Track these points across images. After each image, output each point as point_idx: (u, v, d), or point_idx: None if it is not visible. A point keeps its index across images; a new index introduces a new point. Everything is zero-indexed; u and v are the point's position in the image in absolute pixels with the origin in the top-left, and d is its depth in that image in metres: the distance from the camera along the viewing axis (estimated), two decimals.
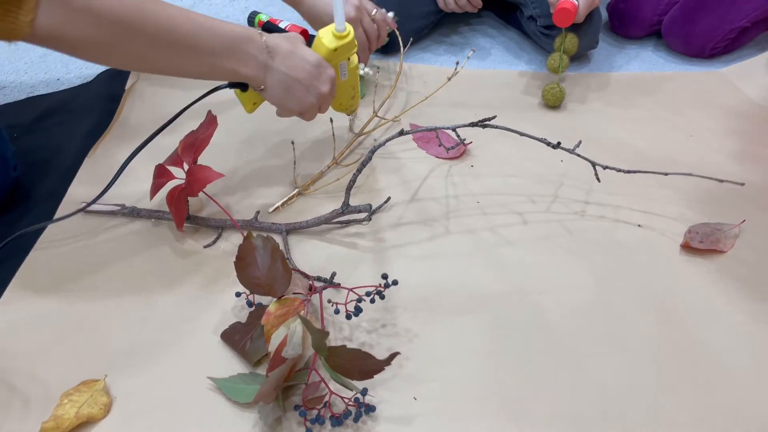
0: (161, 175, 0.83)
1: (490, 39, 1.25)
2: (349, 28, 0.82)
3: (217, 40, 0.69)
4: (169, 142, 0.86)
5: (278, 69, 0.75)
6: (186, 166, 0.81)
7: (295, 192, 0.90)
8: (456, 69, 0.96)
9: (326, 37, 0.81)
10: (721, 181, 0.83)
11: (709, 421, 0.63)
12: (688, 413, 0.64)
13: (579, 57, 1.17)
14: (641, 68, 1.15)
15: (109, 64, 0.67)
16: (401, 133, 0.80)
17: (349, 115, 1.00)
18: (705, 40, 1.15)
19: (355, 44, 0.83)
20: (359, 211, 0.82)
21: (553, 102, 1.03)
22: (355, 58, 0.89)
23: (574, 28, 1.06)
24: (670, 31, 1.18)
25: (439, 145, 0.85)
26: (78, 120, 1.03)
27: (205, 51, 0.69)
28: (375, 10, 1.00)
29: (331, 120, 0.95)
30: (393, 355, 0.62)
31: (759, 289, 0.76)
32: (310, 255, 0.82)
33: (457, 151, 0.96)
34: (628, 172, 0.83)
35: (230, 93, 0.94)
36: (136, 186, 0.90)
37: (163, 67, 0.69)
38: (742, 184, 0.81)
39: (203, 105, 0.83)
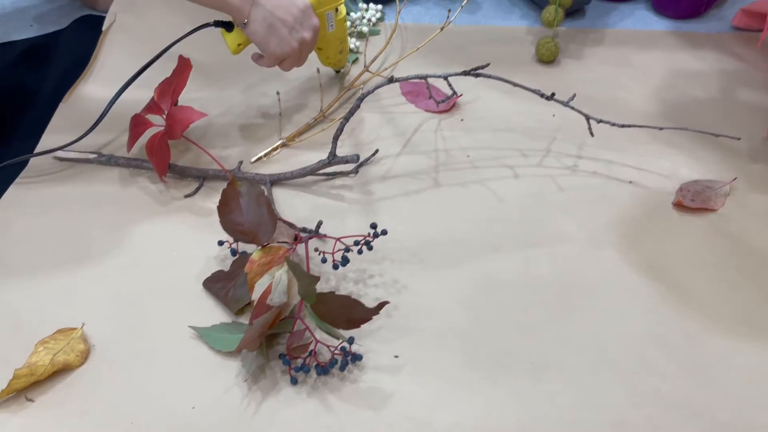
0: (138, 124, 0.80)
1: None
2: None
3: None
4: (142, 96, 0.82)
5: (264, 5, 0.74)
6: (165, 112, 0.78)
7: (279, 143, 0.88)
8: (448, 18, 0.93)
9: None
10: (717, 135, 0.82)
11: (698, 372, 0.63)
12: (677, 364, 0.64)
13: (574, 12, 1.14)
14: (635, 26, 1.13)
15: None
16: (391, 80, 0.77)
17: (337, 70, 0.97)
18: (696, 3, 1.13)
19: None
20: (346, 162, 0.80)
21: (548, 57, 1.01)
22: (343, 8, 0.86)
23: None
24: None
25: (429, 98, 0.83)
26: (52, 66, 0.98)
27: None
28: None
29: (318, 70, 0.92)
30: (381, 304, 0.60)
31: (747, 245, 0.75)
32: (295, 207, 0.79)
33: (447, 104, 0.94)
34: (622, 126, 0.81)
35: (213, 45, 0.91)
36: (110, 137, 0.86)
37: None
38: (738, 139, 0.80)
39: (177, 52, 0.80)
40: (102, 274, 0.71)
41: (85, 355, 0.63)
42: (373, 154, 0.86)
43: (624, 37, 1.11)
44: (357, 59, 1.03)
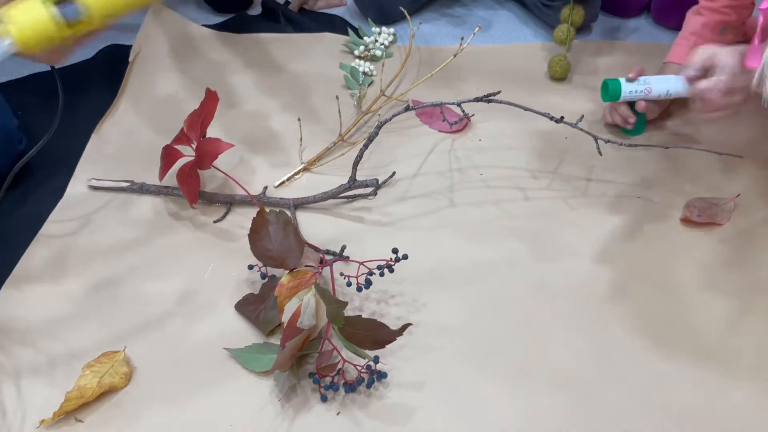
0: (169, 155, 0.84)
1: (491, 11, 1.25)
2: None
3: None
4: (172, 125, 0.87)
5: None
6: (194, 143, 0.82)
7: (301, 167, 0.92)
8: (461, 45, 0.97)
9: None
10: (720, 153, 0.85)
11: (706, 384, 0.67)
12: (687, 377, 0.67)
13: (582, 29, 1.17)
14: (642, 40, 1.16)
15: None
16: (407, 108, 0.81)
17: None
18: None
19: None
20: (366, 186, 0.84)
21: (560, 74, 1.04)
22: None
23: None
24: (660, 12, 1.19)
25: (443, 120, 0.87)
26: (82, 97, 1.03)
27: None
28: None
29: (337, 97, 0.96)
30: (405, 326, 0.64)
31: (753, 259, 0.78)
32: (317, 229, 0.83)
33: (461, 125, 0.97)
34: (629, 145, 0.84)
35: (230, 77, 0.95)
36: (142, 167, 0.91)
37: None
38: (741, 157, 0.83)
39: (202, 81, 0.84)
40: (139, 298, 0.76)
41: (128, 377, 0.67)
42: (391, 176, 0.90)
43: (633, 49, 1.13)
44: (372, 82, 1.07)
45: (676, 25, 1.17)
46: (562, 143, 0.94)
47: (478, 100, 0.81)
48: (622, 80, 0.87)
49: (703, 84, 0.72)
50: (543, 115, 0.82)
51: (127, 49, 1.09)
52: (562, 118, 0.82)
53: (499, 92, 0.80)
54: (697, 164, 0.90)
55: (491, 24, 1.21)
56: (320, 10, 1.26)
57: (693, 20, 0.93)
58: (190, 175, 0.80)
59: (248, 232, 0.71)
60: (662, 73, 0.92)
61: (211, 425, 0.64)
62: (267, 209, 0.72)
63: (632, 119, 0.90)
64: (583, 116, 0.84)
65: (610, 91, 0.87)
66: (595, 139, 0.84)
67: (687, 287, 0.75)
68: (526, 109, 0.82)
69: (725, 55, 0.71)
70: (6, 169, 0.87)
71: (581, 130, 0.83)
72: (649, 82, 0.86)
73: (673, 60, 0.94)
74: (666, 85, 0.86)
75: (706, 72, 0.73)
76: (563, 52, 1.05)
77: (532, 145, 0.95)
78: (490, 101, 0.81)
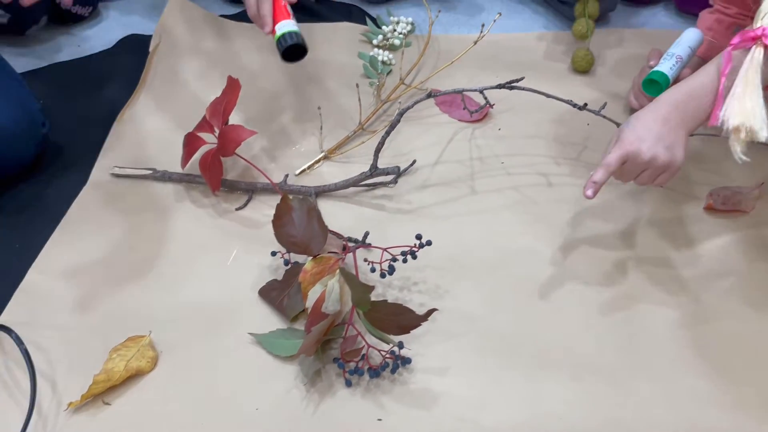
0: (191, 142, 0.84)
1: (502, 1, 1.25)
2: None
3: None
4: (192, 114, 0.87)
5: None
6: (216, 131, 0.82)
7: (321, 156, 0.92)
8: (482, 32, 0.97)
9: None
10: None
11: (730, 371, 0.66)
12: (709, 363, 0.67)
13: (599, 19, 1.16)
14: (661, 27, 1.15)
15: None
16: (429, 95, 0.81)
17: None
18: None
19: None
20: (387, 173, 0.84)
21: (584, 68, 1.04)
22: None
23: None
24: None
25: (464, 108, 0.86)
26: (103, 86, 1.03)
27: None
28: None
29: (357, 85, 0.95)
30: (430, 311, 0.64)
31: None
32: (338, 216, 0.83)
33: (480, 114, 0.97)
34: None
35: (249, 65, 0.94)
36: (164, 155, 0.91)
37: None
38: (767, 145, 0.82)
39: (221, 71, 0.83)
40: (163, 283, 0.76)
41: (154, 361, 0.68)
42: (411, 164, 0.90)
43: (654, 37, 1.12)
44: (391, 71, 1.06)
45: (700, 10, 1.16)
46: (584, 131, 0.94)
47: (501, 86, 0.81)
48: (659, 67, 0.87)
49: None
50: (566, 102, 0.82)
51: (147, 39, 1.10)
52: (586, 105, 0.81)
53: (522, 78, 0.80)
54: (719, 153, 0.89)
55: (505, 14, 1.20)
56: None
57: (707, 17, 0.94)
58: (213, 163, 0.80)
59: (272, 219, 0.71)
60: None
61: (236, 409, 0.64)
62: (290, 195, 0.72)
63: None
64: (606, 103, 0.83)
65: (661, 83, 0.86)
66: (618, 126, 0.83)
67: (711, 274, 0.75)
68: (548, 96, 0.82)
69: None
70: (30, 151, 0.88)
71: (605, 117, 0.83)
72: (675, 52, 0.88)
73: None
74: (687, 43, 0.89)
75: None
76: (584, 45, 1.04)
77: (554, 133, 0.94)
78: (512, 88, 0.81)
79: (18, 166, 0.87)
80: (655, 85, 0.87)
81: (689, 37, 0.90)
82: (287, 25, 0.82)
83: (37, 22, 1.10)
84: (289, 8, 0.84)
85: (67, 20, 1.16)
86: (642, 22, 1.17)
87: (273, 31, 0.83)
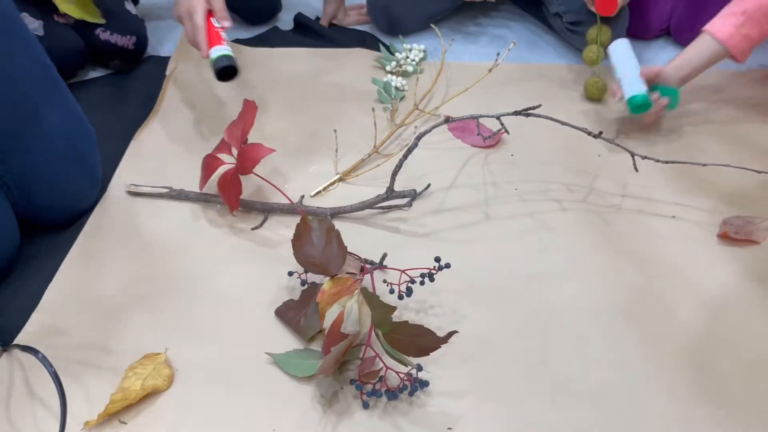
0: (210, 163, 0.85)
1: (506, 29, 1.27)
2: None
3: None
4: (208, 135, 0.88)
5: None
6: (235, 151, 0.83)
7: (336, 178, 0.93)
8: (497, 61, 0.98)
9: None
10: (759, 172, 0.85)
11: (750, 398, 0.66)
12: (728, 390, 0.67)
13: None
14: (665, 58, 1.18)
15: None
16: (447, 120, 0.82)
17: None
18: None
19: None
20: (404, 196, 0.85)
21: (597, 95, 1.05)
22: None
23: (606, 20, 1.08)
24: (681, 30, 1.20)
25: (477, 134, 0.88)
26: (121, 106, 1.05)
27: None
28: None
29: (373, 109, 0.97)
30: (451, 333, 0.64)
31: None
32: (354, 238, 0.83)
33: (495, 139, 0.98)
34: (666, 162, 0.85)
35: (263, 89, 0.96)
36: (181, 175, 0.91)
37: None
38: None
39: (237, 94, 0.85)
40: (179, 301, 0.76)
41: (170, 379, 0.67)
42: (426, 188, 0.90)
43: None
44: (404, 97, 1.08)
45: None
46: (595, 159, 0.95)
47: (518, 113, 0.82)
48: (633, 93, 0.94)
49: None
50: (581, 130, 0.83)
51: (165, 61, 1.12)
52: (601, 133, 0.83)
53: (539, 105, 0.81)
54: (731, 183, 0.90)
55: (517, 44, 1.23)
56: (350, 26, 1.28)
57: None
58: (232, 182, 0.81)
59: (291, 239, 0.72)
60: (697, 41, 0.96)
61: (252, 429, 0.64)
62: (309, 216, 0.73)
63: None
64: (618, 133, 0.84)
65: (640, 103, 0.94)
66: (632, 155, 0.85)
67: (729, 303, 0.75)
68: (563, 123, 0.83)
69: None
70: (91, 201, 0.87)
71: (618, 145, 0.84)
72: (625, 72, 0.97)
73: (714, 33, 0.92)
74: (623, 58, 0.99)
75: None
76: (595, 73, 1.06)
77: (566, 160, 0.95)
78: (529, 115, 0.82)
79: (81, 214, 0.87)
80: (643, 107, 0.94)
81: (619, 52, 1.00)
82: (220, 49, 0.91)
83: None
84: (222, 33, 0.93)
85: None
86: (652, 55, 1.20)
87: (207, 55, 0.91)
